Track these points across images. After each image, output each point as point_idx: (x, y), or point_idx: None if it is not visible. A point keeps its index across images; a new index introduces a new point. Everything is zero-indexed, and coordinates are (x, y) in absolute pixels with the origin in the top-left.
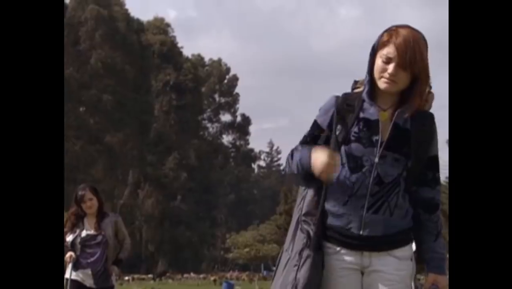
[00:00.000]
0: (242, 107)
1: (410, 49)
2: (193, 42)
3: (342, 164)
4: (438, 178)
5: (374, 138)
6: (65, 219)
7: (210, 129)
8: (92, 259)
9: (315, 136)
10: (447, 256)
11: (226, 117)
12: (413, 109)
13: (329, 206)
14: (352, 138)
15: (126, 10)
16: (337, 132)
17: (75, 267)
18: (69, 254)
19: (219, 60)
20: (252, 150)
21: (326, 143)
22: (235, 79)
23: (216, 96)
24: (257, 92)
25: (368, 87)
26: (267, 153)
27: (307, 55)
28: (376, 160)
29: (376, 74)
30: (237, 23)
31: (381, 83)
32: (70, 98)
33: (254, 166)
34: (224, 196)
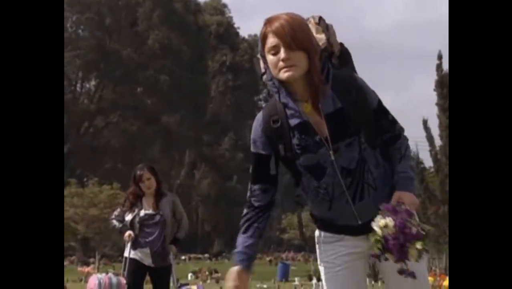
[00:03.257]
0: None
1: (288, 28)
2: (249, 22)
3: (305, 176)
4: (393, 119)
5: (316, 138)
6: (123, 199)
7: None
8: (150, 239)
9: (262, 168)
10: (414, 175)
11: None
12: (318, 86)
13: (317, 212)
14: (298, 151)
15: None
16: (283, 153)
17: (134, 246)
18: (128, 233)
19: None
20: None
21: (286, 164)
22: None
23: None
24: None
25: (285, 89)
26: None
27: (360, 36)
28: (332, 158)
29: (273, 70)
30: (292, 4)
31: (282, 74)
32: (127, 79)
33: None
34: (280, 176)
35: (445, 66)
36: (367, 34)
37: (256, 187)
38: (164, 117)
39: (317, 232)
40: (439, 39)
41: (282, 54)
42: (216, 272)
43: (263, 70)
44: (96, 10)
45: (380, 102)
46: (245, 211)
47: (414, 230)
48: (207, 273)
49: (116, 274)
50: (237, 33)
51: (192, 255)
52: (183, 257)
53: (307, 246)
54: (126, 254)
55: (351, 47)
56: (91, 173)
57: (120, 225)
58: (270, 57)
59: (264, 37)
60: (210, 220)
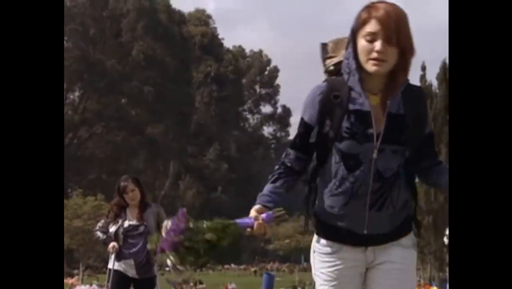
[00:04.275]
0: (283, 99)
1: (394, 20)
2: (233, 33)
3: (337, 162)
4: (435, 152)
5: (369, 131)
6: (107, 210)
7: (251, 120)
8: (134, 250)
9: (305, 136)
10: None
11: (266, 108)
12: (399, 86)
13: (327, 206)
14: (345, 135)
15: (168, 1)
16: (327, 128)
17: (118, 258)
18: (112, 245)
19: (260, 51)
20: None
21: (318, 140)
22: (275, 70)
23: (257, 87)
24: (298, 84)
25: (358, 74)
26: None
27: None
28: (375, 156)
29: (362, 57)
30: (277, 14)
31: (370, 66)
32: (111, 90)
33: None
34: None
35: (429, 77)
36: None
37: (292, 152)
38: (148, 128)
39: (314, 239)
40: (434, 48)
41: (378, 45)
42: (201, 283)
43: (330, 54)
44: (80, 21)
45: (432, 132)
46: (276, 167)
47: (171, 240)
48: (191, 284)
49: (100, 286)
50: (222, 44)
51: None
52: (167, 268)
53: (292, 257)
54: (110, 265)
55: None
56: (75, 184)
57: (104, 236)
58: (363, 43)
59: (364, 20)
60: None
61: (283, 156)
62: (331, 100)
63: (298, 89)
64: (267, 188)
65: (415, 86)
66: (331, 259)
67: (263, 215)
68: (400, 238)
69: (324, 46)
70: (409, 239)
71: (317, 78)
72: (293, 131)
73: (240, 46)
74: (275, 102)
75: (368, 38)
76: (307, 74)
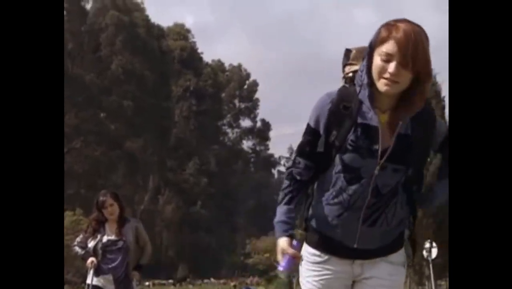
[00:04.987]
0: (262, 113)
1: (412, 44)
2: (212, 47)
3: (337, 173)
4: (445, 166)
5: (374, 147)
6: (86, 225)
7: (230, 134)
8: (113, 265)
9: (313, 143)
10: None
11: (246, 122)
12: (415, 111)
13: (321, 214)
14: (349, 147)
15: (147, 16)
16: (332, 138)
17: (97, 273)
18: (90, 260)
19: (239, 65)
20: (272, 155)
21: (326, 149)
22: (255, 84)
23: (236, 101)
24: (277, 97)
25: (368, 90)
26: (287, 158)
27: (327, 60)
28: (376, 172)
29: (375, 74)
30: (255, 28)
31: (381, 85)
32: (90, 104)
33: (274, 171)
34: (244, 202)
35: None
36: (333, 57)
37: (300, 160)
38: (127, 143)
39: (304, 247)
40: None
41: (392, 67)
42: None
43: (350, 61)
44: None
45: (446, 141)
46: (286, 182)
47: None
48: None
49: None
50: (201, 58)
51: (156, 281)
52: (146, 283)
53: (271, 271)
54: (88, 281)
55: (319, 71)
56: None
57: (83, 252)
58: (378, 61)
59: (383, 39)
60: (174, 245)
61: (291, 165)
62: (340, 110)
63: (277, 103)
64: (284, 212)
65: (425, 107)
66: (318, 268)
67: (294, 245)
68: (390, 254)
69: (347, 52)
70: (399, 256)
71: (296, 91)
72: (272, 145)
73: (219, 60)
74: (255, 116)
75: (384, 58)
76: (285, 88)
